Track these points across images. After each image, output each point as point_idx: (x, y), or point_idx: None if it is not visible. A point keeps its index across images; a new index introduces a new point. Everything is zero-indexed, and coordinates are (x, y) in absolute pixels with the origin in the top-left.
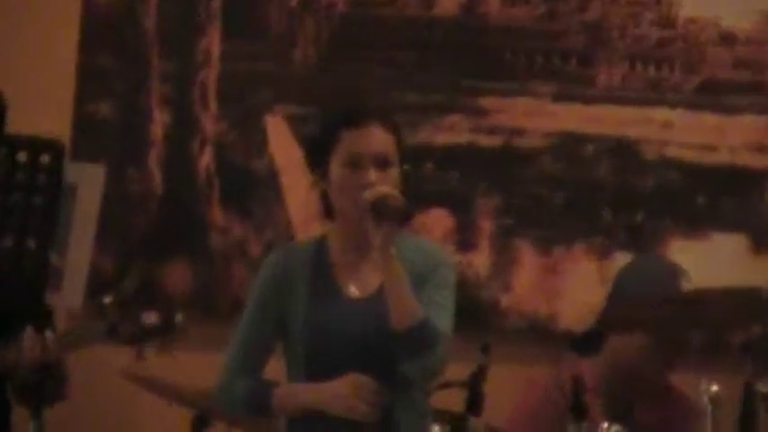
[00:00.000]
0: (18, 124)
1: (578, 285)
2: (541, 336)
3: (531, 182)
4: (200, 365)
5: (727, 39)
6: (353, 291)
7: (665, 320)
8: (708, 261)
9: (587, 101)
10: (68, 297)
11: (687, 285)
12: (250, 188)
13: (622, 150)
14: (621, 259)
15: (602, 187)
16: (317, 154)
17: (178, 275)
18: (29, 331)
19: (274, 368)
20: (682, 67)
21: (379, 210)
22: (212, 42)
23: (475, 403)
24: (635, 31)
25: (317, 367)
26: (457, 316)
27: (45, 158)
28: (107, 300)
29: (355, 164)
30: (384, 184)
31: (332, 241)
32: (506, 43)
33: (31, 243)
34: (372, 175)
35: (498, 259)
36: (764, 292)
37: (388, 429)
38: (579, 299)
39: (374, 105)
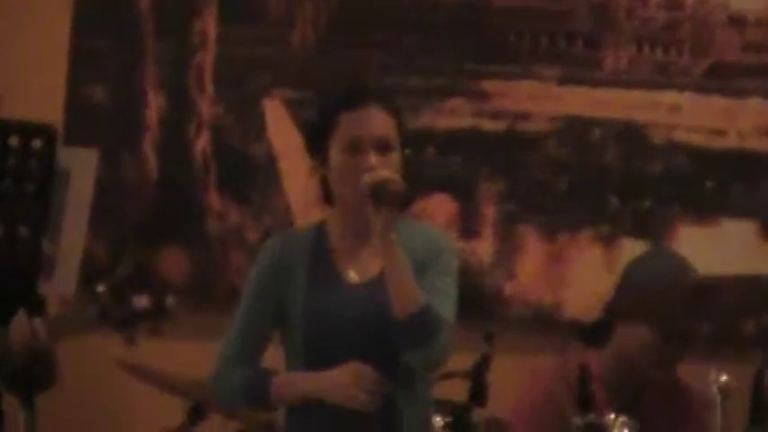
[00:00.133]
0: (10, 108)
1: (584, 273)
2: (546, 324)
3: (536, 167)
4: (196, 354)
5: (737, 21)
6: (353, 276)
7: (673, 308)
8: (717, 248)
9: (593, 84)
10: (61, 284)
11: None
12: (247, 173)
13: (629, 135)
14: (628, 246)
15: (608, 173)
16: (316, 138)
17: (174, 262)
18: (19, 316)
19: (273, 357)
20: (690, 50)
21: (379, 194)
22: (209, 24)
23: (478, 394)
24: (642, 12)
25: (315, 354)
26: (460, 304)
27: (37, 143)
28: (100, 288)
29: (355, 148)
30: (384, 169)
31: (332, 227)
32: (510, 25)
33: (23, 230)
34: (372, 159)
35: (502, 246)
36: None
37: (390, 419)
38: (585, 287)
39: (374, 87)
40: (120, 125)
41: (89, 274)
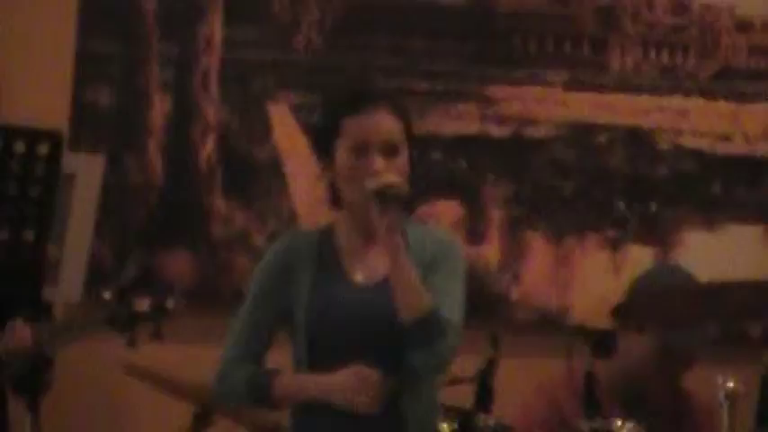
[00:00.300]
0: (15, 111)
1: (590, 277)
2: (552, 328)
3: (542, 171)
4: (202, 358)
5: (743, 25)
6: (359, 278)
7: (679, 312)
8: (723, 251)
9: (600, 88)
10: (66, 290)
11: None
12: (253, 177)
13: (636, 139)
14: (635, 251)
15: (614, 177)
16: (322, 141)
17: (179, 266)
18: (15, 323)
19: (278, 357)
20: (696, 55)
21: (382, 198)
22: (214, 27)
23: (484, 399)
24: (648, 16)
25: (319, 354)
26: (466, 308)
27: (43, 149)
28: (107, 295)
29: (361, 151)
30: (390, 172)
31: (339, 228)
32: (516, 29)
33: (29, 235)
34: (378, 162)
35: (508, 250)
36: None
37: (396, 422)
38: (591, 291)
39: (380, 89)
40: (126, 128)
41: (95, 278)
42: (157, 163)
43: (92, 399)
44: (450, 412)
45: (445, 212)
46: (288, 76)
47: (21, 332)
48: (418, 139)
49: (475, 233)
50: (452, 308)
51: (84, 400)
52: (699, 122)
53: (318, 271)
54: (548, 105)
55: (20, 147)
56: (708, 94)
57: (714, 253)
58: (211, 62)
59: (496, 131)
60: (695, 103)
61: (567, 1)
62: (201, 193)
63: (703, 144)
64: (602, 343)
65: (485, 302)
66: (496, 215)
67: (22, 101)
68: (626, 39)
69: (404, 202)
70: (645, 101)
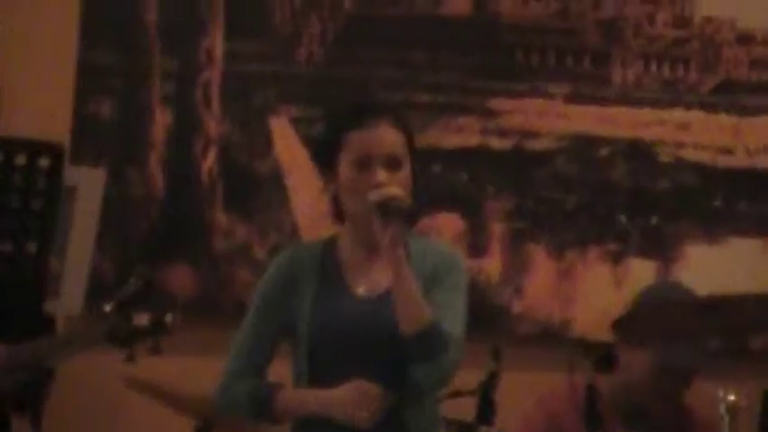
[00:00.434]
0: (17, 124)
1: (592, 290)
2: (554, 342)
3: (544, 185)
4: (204, 371)
5: (744, 39)
6: (362, 291)
7: (681, 327)
8: (725, 265)
9: (601, 102)
10: (68, 303)
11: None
12: (254, 190)
13: (637, 152)
14: (636, 264)
15: (616, 190)
16: (325, 155)
17: (181, 280)
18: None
19: (279, 370)
20: (698, 68)
21: (385, 211)
22: (215, 40)
23: (486, 412)
24: (650, 30)
25: (320, 367)
26: (467, 322)
27: (44, 161)
28: (108, 307)
29: (364, 164)
30: (393, 185)
31: (342, 241)
32: (518, 42)
33: (30, 247)
34: (381, 175)
35: (510, 264)
36: None
37: None
38: (593, 304)
39: (383, 102)
40: (127, 142)
41: (96, 291)
42: (158, 176)
43: (92, 411)
44: (452, 425)
45: (446, 225)
46: (289, 89)
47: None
48: (419, 152)
49: (476, 246)
50: (454, 322)
51: (85, 412)
52: (700, 136)
53: (321, 284)
54: (549, 118)
55: (21, 159)
56: (709, 107)
57: (715, 266)
58: (213, 75)
59: (498, 144)
60: (696, 116)
61: (569, 14)
62: (203, 207)
63: (705, 157)
64: (603, 357)
65: (486, 315)
66: (498, 228)
67: (24, 114)
68: (627, 52)
69: (407, 215)
70: (646, 114)
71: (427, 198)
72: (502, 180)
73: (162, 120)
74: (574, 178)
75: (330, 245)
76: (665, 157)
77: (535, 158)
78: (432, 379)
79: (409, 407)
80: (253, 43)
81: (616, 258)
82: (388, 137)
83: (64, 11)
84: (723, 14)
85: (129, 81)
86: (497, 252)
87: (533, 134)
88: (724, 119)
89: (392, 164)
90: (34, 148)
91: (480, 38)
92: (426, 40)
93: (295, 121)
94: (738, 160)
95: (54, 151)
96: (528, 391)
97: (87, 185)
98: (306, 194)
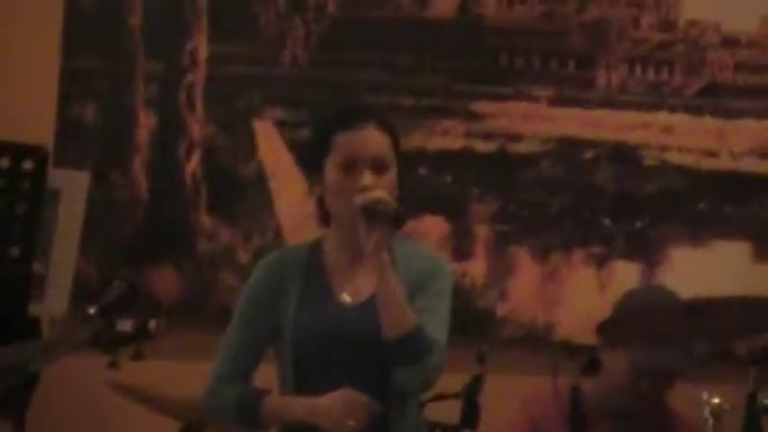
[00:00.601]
0: (0, 127)
1: (577, 293)
2: (539, 345)
3: (528, 188)
4: (188, 374)
5: (729, 42)
6: (346, 296)
7: (665, 330)
8: (710, 268)
9: (586, 105)
10: (52, 306)
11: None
12: (238, 193)
13: (622, 155)
14: (621, 267)
15: (601, 193)
16: (311, 158)
17: (165, 283)
18: None
19: (266, 374)
20: (682, 71)
21: (370, 215)
22: (199, 44)
23: (470, 415)
24: (635, 33)
25: (305, 372)
26: (452, 325)
27: (28, 165)
28: (92, 310)
29: (350, 167)
30: (379, 188)
31: (327, 245)
32: (503, 45)
33: (14, 251)
34: (367, 178)
35: (494, 267)
36: None
37: None
38: (577, 307)
39: (369, 105)
40: (111, 145)
41: (80, 294)
42: (142, 179)
43: (77, 415)
44: (437, 428)
45: (431, 228)
46: (273, 92)
47: None
48: (404, 155)
49: (461, 249)
50: (438, 327)
51: (70, 416)
52: (685, 139)
53: (306, 288)
54: (534, 121)
55: (5, 162)
56: (694, 110)
57: (700, 269)
58: (197, 78)
59: (482, 147)
60: (681, 120)
61: (554, 17)
62: (187, 210)
63: (689, 160)
64: (588, 360)
65: (471, 319)
66: (482, 231)
67: (8, 116)
68: (612, 55)
69: (392, 219)
70: (631, 117)
71: (412, 201)
72: (486, 183)
73: (146, 123)
74: (558, 181)
75: (316, 248)
76: (649, 160)
77: (520, 161)
78: (415, 382)
79: (393, 411)
80: (237, 46)
81: (601, 261)
82: (374, 139)
83: (47, 14)
84: (708, 18)
85: (112, 84)
86: (482, 255)
87: (518, 137)
88: (709, 122)
89: (378, 166)
90: (18, 151)
91: (465, 41)
92: (411, 43)
93: (279, 124)
94: (723, 163)
95: (38, 154)
96: (512, 394)
97: (71, 188)
98: (290, 197)
